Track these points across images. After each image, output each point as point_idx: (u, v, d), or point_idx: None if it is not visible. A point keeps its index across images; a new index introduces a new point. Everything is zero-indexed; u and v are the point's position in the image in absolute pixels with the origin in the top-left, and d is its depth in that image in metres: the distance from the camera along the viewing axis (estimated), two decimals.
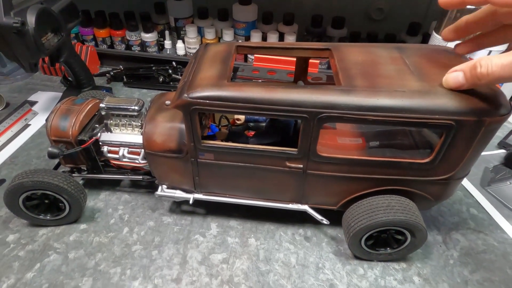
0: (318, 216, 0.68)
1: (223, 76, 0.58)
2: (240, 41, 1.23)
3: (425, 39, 1.17)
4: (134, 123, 0.71)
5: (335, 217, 0.69)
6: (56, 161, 0.79)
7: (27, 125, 1.00)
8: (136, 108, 0.69)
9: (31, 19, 0.76)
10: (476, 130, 0.53)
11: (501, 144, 0.94)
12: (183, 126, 0.64)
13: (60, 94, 1.10)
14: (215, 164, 0.64)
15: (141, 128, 0.71)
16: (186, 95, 0.55)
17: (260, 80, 1.03)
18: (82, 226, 0.74)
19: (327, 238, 0.72)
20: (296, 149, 0.60)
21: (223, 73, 0.59)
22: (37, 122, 1.01)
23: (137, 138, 0.70)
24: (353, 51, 0.64)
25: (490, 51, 0.96)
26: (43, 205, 0.70)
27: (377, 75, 0.57)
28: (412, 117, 0.52)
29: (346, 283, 0.65)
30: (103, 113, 0.70)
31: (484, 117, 0.52)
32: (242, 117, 0.72)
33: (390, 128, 0.73)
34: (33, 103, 1.09)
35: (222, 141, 0.68)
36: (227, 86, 0.55)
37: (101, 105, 0.69)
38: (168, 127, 0.65)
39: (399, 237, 0.64)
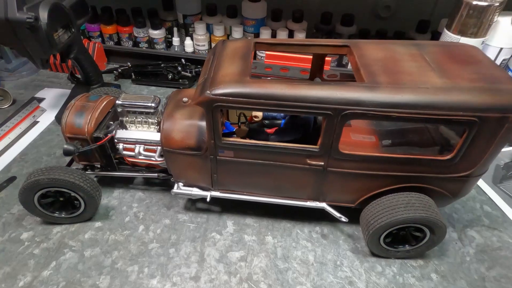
0: (336, 214, 0.68)
1: (245, 73, 0.57)
2: (249, 38, 1.22)
3: (434, 36, 1.18)
4: (150, 120, 0.70)
5: (351, 215, 0.69)
6: (69, 158, 0.78)
7: (35, 122, 0.99)
8: (153, 105, 0.68)
9: (43, 15, 0.75)
10: (499, 127, 0.53)
11: (509, 141, 0.95)
12: (202, 123, 0.64)
13: (68, 91, 1.09)
14: (234, 161, 0.64)
15: (158, 125, 0.71)
16: (208, 92, 0.55)
17: (269, 78, 1.03)
18: (97, 224, 0.73)
19: (343, 236, 0.72)
20: (317, 147, 0.59)
21: (244, 70, 0.58)
22: (46, 119, 1.00)
23: (154, 136, 0.70)
24: (372, 47, 0.64)
25: (501, 49, 0.96)
26: (58, 202, 0.69)
27: (399, 71, 0.57)
28: (436, 114, 0.52)
29: (365, 281, 0.65)
30: (119, 110, 0.70)
31: (508, 114, 0.52)
32: (260, 114, 0.72)
33: (401, 126, 0.73)
34: (40, 100, 1.08)
35: (242, 138, 0.68)
36: (250, 82, 0.55)
37: (118, 102, 0.68)
38: (187, 124, 0.64)
39: (418, 234, 0.64)
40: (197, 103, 0.57)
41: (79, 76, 1.06)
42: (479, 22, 0.88)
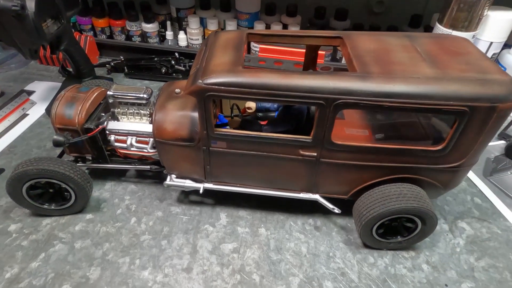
0: (329, 205, 0.68)
1: (237, 63, 0.57)
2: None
3: (427, 31, 1.19)
4: (142, 111, 0.70)
5: (344, 207, 0.69)
6: (60, 150, 0.77)
7: (25, 115, 0.97)
8: (145, 96, 0.67)
9: (30, 3, 0.74)
10: (488, 117, 0.54)
11: (501, 135, 0.96)
12: (194, 114, 0.63)
13: (58, 84, 1.07)
14: (227, 152, 0.63)
15: (150, 116, 0.70)
16: (200, 81, 0.54)
17: None
18: (88, 216, 0.72)
19: (336, 228, 0.73)
20: (310, 137, 0.59)
21: (237, 60, 0.58)
22: (36, 112, 0.99)
23: (146, 127, 0.69)
24: (364, 39, 0.64)
25: (491, 43, 0.97)
26: (48, 194, 0.68)
27: (391, 62, 0.57)
28: (427, 103, 0.53)
29: (357, 272, 0.65)
30: (110, 101, 0.69)
31: (497, 103, 0.52)
32: (253, 106, 0.72)
33: (394, 120, 0.74)
34: (30, 93, 1.06)
35: (235, 129, 0.67)
36: (242, 72, 0.55)
37: (109, 93, 0.67)
38: (179, 115, 0.64)
39: (410, 225, 0.65)
40: (189, 92, 0.56)
41: (71, 69, 1.05)
42: (469, 16, 0.89)
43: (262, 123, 0.73)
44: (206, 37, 1.24)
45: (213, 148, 0.64)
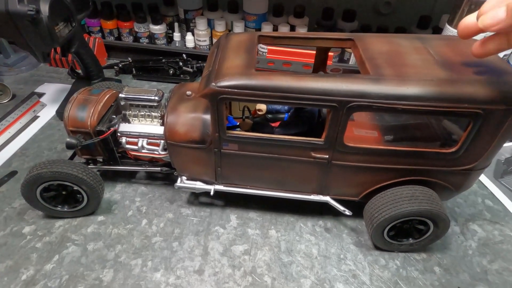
0: (340, 207, 0.68)
1: (250, 65, 0.57)
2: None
3: (435, 32, 1.18)
4: (153, 113, 0.70)
5: (354, 208, 0.69)
6: (71, 152, 0.78)
7: (36, 117, 0.98)
8: (156, 98, 0.68)
9: (44, 7, 0.75)
10: (504, 119, 0.53)
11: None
12: (206, 116, 0.64)
13: (68, 86, 1.08)
14: (238, 154, 0.64)
15: (161, 118, 0.70)
16: (214, 84, 0.55)
17: None
18: (100, 218, 0.72)
19: (347, 229, 0.72)
20: (322, 139, 0.59)
21: (249, 62, 0.58)
22: (46, 114, 0.99)
23: (157, 129, 0.69)
24: (376, 41, 0.64)
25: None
26: (60, 196, 0.69)
27: (403, 64, 0.57)
28: (441, 106, 0.52)
29: (368, 274, 0.65)
30: (122, 103, 0.69)
31: None
32: (264, 108, 0.72)
33: (404, 121, 0.74)
34: (40, 95, 1.07)
35: (246, 131, 0.68)
36: (255, 74, 0.55)
37: (121, 95, 0.68)
38: (191, 118, 0.64)
39: (421, 227, 0.65)
40: (202, 95, 0.56)
41: (80, 71, 1.05)
42: None
43: (273, 125, 0.74)
44: (213, 38, 1.24)
45: (225, 150, 0.64)
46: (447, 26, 0.96)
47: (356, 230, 0.72)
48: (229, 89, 0.55)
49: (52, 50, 1.04)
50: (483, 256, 0.68)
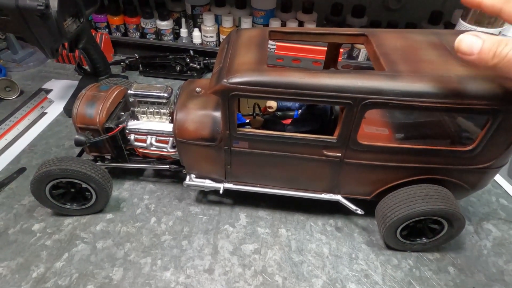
0: (352, 206, 0.67)
1: (262, 61, 0.56)
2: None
3: (447, 27, 1.16)
4: (162, 110, 0.69)
5: (365, 207, 0.68)
6: (79, 149, 0.77)
7: (43, 113, 0.98)
8: (166, 95, 0.67)
9: (54, 2, 0.74)
10: None
11: None
12: (216, 113, 0.63)
13: (75, 82, 1.08)
14: (249, 152, 0.63)
15: (170, 116, 0.70)
16: (225, 80, 0.54)
17: None
18: (108, 216, 0.72)
19: (358, 229, 0.71)
20: (335, 137, 0.58)
21: (261, 58, 0.57)
22: (54, 110, 0.99)
23: (166, 126, 0.68)
24: (390, 36, 0.63)
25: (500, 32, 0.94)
26: (69, 194, 0.69)
27: (419, 60, 0.56)
28: (460, 103, 0.51)
29: (381, 273, 0.64)
30: (130, 100, 0.69)
31: None
32: (274, 105, 0.71)
33: (415, 119, 0.72)
34: (48, 91, 1.07)
35: (257, 129, 0.66)
36: (267, 71, 0.54)
37: (129, 91, 0.67)
38: (201, 115, 0.63)
39: (435, 226, 0.63)
40: (213, 92, 0.55)
41: (87, 67, 1.05)
42: None
43: (283, 122, 0.72)
44: (220, 34, 1.23)
45: (235, 148, 0.63)
46: (461, 21, 0.93)
47: (367, 229, 0.71)
48: (241, 86, 0.53)
49: (60, 46, 1.03)
50: (499, 256, 0.67)
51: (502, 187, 0.81)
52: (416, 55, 0.57)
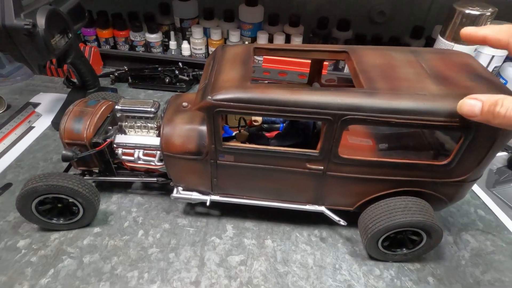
0: (335, 217, 0.68)
1: (246, 78, 0.58)
2: (246, 42, 1.23)
3: (428, 42, 1.20)
4: (149, 124, 0.70)
5: (348, 218, 0.69)
6: (66, 164, 0.78)
7: (31, 128, 0.98)
8: (153, 110, 0.68)
9: (41, 21, 0.75)
10: (494, 133, 0.55)
11: (503, 147, 0.97)
12: (202, 128, 0.64)
13: (63, 95, 1.08)
14: (234, 165, 0.64)
15: (157, 130, 0.71)
16: (210, 97, 0.55)
17: (266, 82, 1.03)
18: (96, 229, 0.72)
19: (342, 239, 0.73)
20: (317, 151, 0.60)
21: (245, 75, 0.59)
22: (42, 124, 0.99)
23: (153, 140, 0.70)
24: (370, 53, 0.65)
25: (493, 56, 0.99)
26: (56, 209, 0.69)
27: (396, 78, 0.58)
28: (434, 120, 0.53)
29: (363, 284, 0.65)
30: (118, 115, 0.70)
31: None
32: (260, 118, 0.73)
33: (398, 130, 0.75)
34: (36, 105, 1.07)
35: (242, 142, 0.68)
36: (251, 88, 0.56)
37: (117, 107, 0.68)
38: (187, 129, 0.65)
39: (415, 237, 0.65)
40: (198, 108, 0.57)
41: (75, 80, 1.05)
42: None
43: (268, 135, 0.74)
44: (209, 47, 1.25)
45: (221, 161, 0.64)
46: (440, 37, 0.98)
47: (351, 240, 0.73)
48: (225, 102, 0.55)
49: (48, 61, 1.04)
50: (476, 266, 0.69)
51: (480, 198, 0.84)
52: (393, 73, 0.60)
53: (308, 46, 0.69)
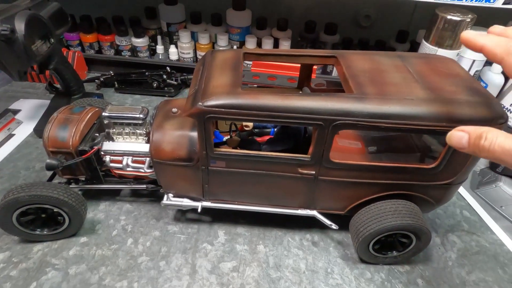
0: (327, 221, 0.69)
1: (236, 84, 0.58)
2: (235, 46, 1.23)
3: (413, 46, 1.23)
4: (138, 131, 0.69)
5: (340, 221, 0.70)
6: (50, 173, 0.75)
7: (11, 135, 0.94)
8: (141, 116, 0.67)
9: (20, 26, 0.72)
10: None
11: None
12: (192, 134, 0.63)
13: (46, 101, 1.05)
14: (226, 171, 0.64)
15: (146, 136, 0.70)
16: (200, 103, 0.55)
17: (256, 86, 1.03)
18: (82, 239, 0.70)
19: (334, 243, 0.73)
20: (308, 156, 0.60)
21: (235, 81, 0.58)
22: (23, 132, 0.96)
23: (143, 147, 0.68)
24: (358, 58, 0.66)
25: (474, 60, 1.02)
26: (39, 219, 0.66)
27: (385, 82, 0.59)
28: (421, 125, 0.55)
29: (355, 287, 0.66)
30: (105, 121, 0.68)
31: (486, 124, 0.54)
32: (251, 124, 0.72)
33: (387, 133, 0.76)
34: (15, 112, 1.03)
35: (234, 148, 0.68)
36: (241, 94, 0.55)
37: (104, 114, 0.66)
38: (177, 135, 0.64)
39: (404, 240, 0.66)
40: (188, 114, 0.56)
41: (58, 85, 1.02)
42: (453, 35, 0.93)
43: (259, 139, 0.74)
44: (197, 51, 1.24)
45: (212, 167, 0.64)
46: (424, 42, 1.00)
47: (342, 243, 0.73)
48: (216, 109, 0.55)
49: (29, 67, 1.00)
50: (462, 267, 0.71)
51: (465, 199, 0.86)
52: (382, 78, 0.61)
53: (298, 51, 0.69)
